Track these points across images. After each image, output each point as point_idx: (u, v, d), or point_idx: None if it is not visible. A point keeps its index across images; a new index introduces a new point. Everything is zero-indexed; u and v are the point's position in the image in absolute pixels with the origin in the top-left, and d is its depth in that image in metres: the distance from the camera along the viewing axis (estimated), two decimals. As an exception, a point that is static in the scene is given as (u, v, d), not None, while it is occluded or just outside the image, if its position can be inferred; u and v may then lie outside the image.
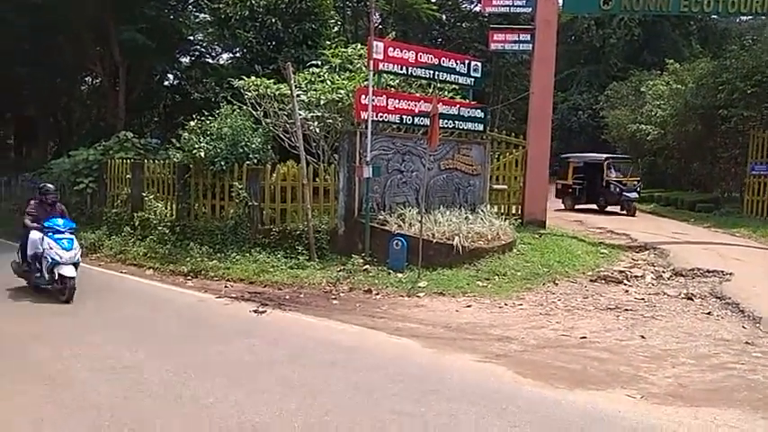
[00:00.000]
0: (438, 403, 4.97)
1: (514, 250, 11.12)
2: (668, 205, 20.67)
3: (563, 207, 20.54)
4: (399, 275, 9.56)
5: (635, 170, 20.30)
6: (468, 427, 4.54)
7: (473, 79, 12.27)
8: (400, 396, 5.10)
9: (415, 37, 28.55)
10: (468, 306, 8.36)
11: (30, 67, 20.34)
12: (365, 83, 10.77)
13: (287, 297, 8.70)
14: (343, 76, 12.25)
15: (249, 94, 12.13)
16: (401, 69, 11.16)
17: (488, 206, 12.36)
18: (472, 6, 35.05)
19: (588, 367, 5.98)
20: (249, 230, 11.03)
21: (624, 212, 19.00)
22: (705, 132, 19.84)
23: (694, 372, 5.91)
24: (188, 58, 24.50)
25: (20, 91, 22.94)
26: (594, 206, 20.25)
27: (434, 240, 10.03)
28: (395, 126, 11.34)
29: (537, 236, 12.66)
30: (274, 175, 11.37)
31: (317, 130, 11.94)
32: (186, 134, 11.62)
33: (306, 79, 12.28)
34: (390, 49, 10.91)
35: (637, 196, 19.37)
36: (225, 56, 24.43)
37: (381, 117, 10.74)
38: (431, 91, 12.56)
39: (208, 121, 11.68)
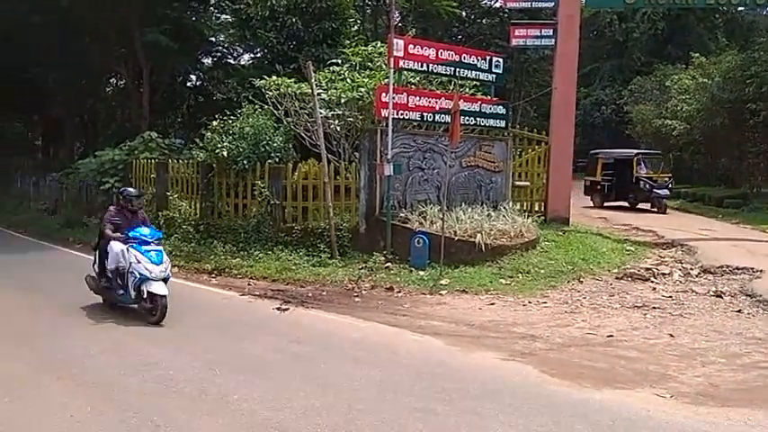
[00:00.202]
0: (463, 401, 4.92)
1: (538, 248, 10.99)
2: (695, 201, 20.27)
3: (591, 204, 20.13)
4: (421, 273, 9.52)
5: (666, 166, 19.81)
6: (494, 426, 4.49)
7: (494, 75, 12.16)
8: (425, 394, 5.06)
9: (434, 34, 28.41)
10: (492, 304, 8.29)
11: (56, 69, 20.73)
12: (386, 80, 10.74)
13: (309, 295, 8.72)
14: (363, 75, 12.23)
15: (270, 93, 12.19)
16: (422, 66, 11.11)
17: (511, 203, 12.24)
18: (492, 2, 34.76)
19: (616, 366, 5.88)
20: (272, 229, 11.08)
21: (655, 210, 18.56)
22: (732, 127, 19.41)
23: (725, 371, 5.78)
24: (210, 59, 24.73)
25: (47, 93, 23.39)
26: (624, 203, 19.78)
27: (456, 238, 9.97)
28: (416, 123, 11.30)
29: (561, 233, 12.50)
30: (296, 173, 11.42)
31: (338, 129, 11.95)
32: (209, 134, 11.73)
33: (326, 78, 12.30)
34: (411, 46, 10.87)
35: (668, 193, 18.92)
36: (246, 56, 24.67)
37: (402, 115, 10.71)
38: (451, 88, 12.48)
39: (230, 121, 11.77)
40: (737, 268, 10.17)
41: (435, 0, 24.60)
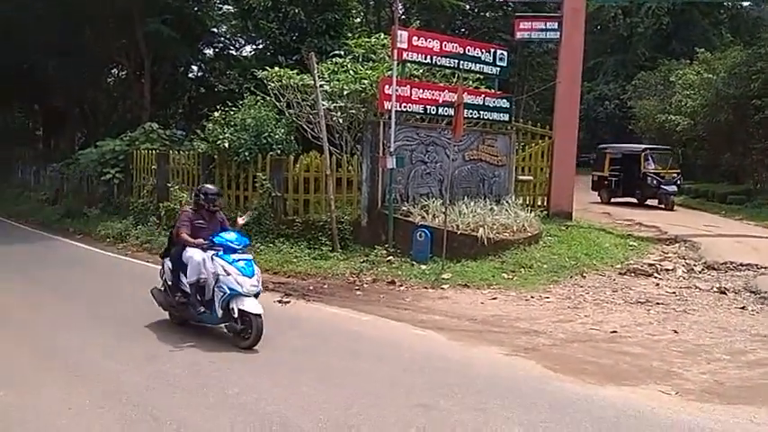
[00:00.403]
0: (466, 397, 4.87)
1: (540, 242, 10.94)
2: (698, 197, 20.14)
3: (599, 200, 19.87)
4: (423, 267, 9.46)
5: (674, 162, 19.52)
6: (497, 422, 4.44)
7: (498, 68, 12.07)
8: (427, 389, 5.01)
9: (438, 27, 28.19)
10: (494, 298, 8.23)
11: (58, 59, 20.63)
12: (389, 73, 10.65)
13: (311, 288, 8.67)
14: (366, 66, 12.13)
15: (272, 84, 12.09)
16: (425, 59, 11.02)
17: (513, 198, 12.17)
18: (496, -5, 34.56)
19: (620, 362, 5.83)
20: (273, 221, 11.02)
21: (662, 207, 18.25)
22: (737, 123, 19.25)
23: (730, 368, 5.73)
24: (212, 50, 24.56)
25: (48, 83, 23.28)
26: (632, 199, 19.46)
27: (459, 232, 9.90)
28: (418, 116, 11.21)
29: (563, 228, 12.44)
30: (297, 165, 11.34)
31: (340, 121, 11.86)
32: (210, 125, 11.67)
33: (329, 69, 12.20)
34: (415, 38, 10.77)
35: (676, 189, 18.59)
36: (248, 48, 24.55)
37: (405, 107, 10.62)
38: (455, 81, 12.38)
39: (232, 112, 11.69)
40: (741, 264, 10.10)
41: (439, -9, 24.41)
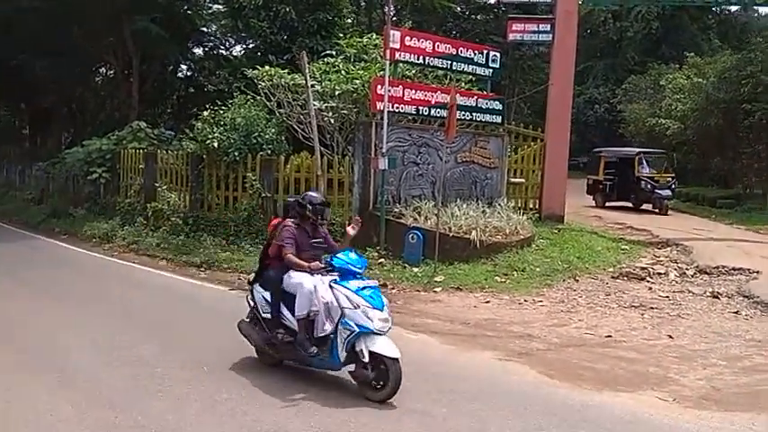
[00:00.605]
0: (460, 403, 4.77)
1: (533, 245, 10.86)
2: (688, 201, 20.22)
3: (594, 204, 19.76)
4: (415, 270, 9.34)
5: (669, 166, 19.38)
6: (492, 430, 4.34)
7: (491, 70, 11.99)
8: (421, 395, 4.90)
9: (429, 29, 28.10)
10: (487, 302, 8.14)
11: (44, 57, 20.33)
12: (381, 73, 10.53)
13: (301, 290, 8.50)
14: (358, 67, 12.00)
15: (263, 83, 11.92)
16: (418, 59, 10.91)
17: (506, 200, 12.10)
18: (488, -2, 34.63)
19: (615, 368, 5.75)
20: (263, 222, 10.84)
21: (656, 211, 18.08)
22: (727, 127, 19.36)
23: (727, 374, 5.68)
24: (201, 49, 24.36)
25: (35, 81, 22.94)
26: (627, 203, 19.29)
27: (451, 234, 9.80)
28: (411, 117, 11.10)
29: (555, 231, 12.38)
30: (288, 166, 11.19)
31: (332, 121, 11.72)
32: (199, 124, 11.47)
33: (320, 69, 12.06)
34: (407, 38, 10.66)
35: (670, 194, 18.41)
36: (238, 47, 24.33)
37: (397, 108, 10.50)
38: (447, 82, 12.29)
39: (221, 112, 11.51)
40: (734, 269, 10.10)
41: (430, -8, 24.36)
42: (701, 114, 19.96)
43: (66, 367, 5.44)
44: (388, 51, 10.11)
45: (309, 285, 4.96)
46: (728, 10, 36.23)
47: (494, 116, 12.12)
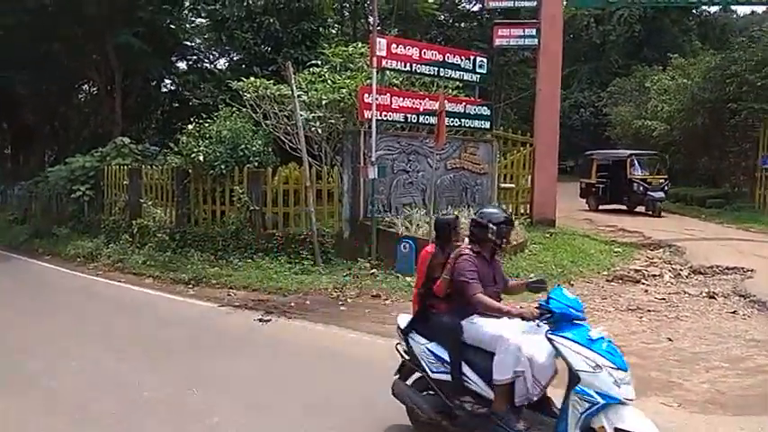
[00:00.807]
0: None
1: (526, 251, 10.78)
2: (677, 201, 20.23)
3: (587, 207, 19.66)
4: (408, 279, 9.16)
5: (662, 167, 19.27)
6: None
7: (478, 76, 11.93)
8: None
9: (414, 37, 28.21)
10: (482, 310, 7.97)
11: (25, 74, 20.05)
12: (368, 81, 10.42)
13: (292, 304, 8.31)
14: (344, 76, 11.89)
15: (248, 95, 11.76)
16: (405, 66, 10.83)
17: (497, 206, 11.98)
18: (471, 6, 34.80)
19: (617, 374, 5.60)
20: (251, 236, 10.65)
21: (650, 213, 17.92)
22: (713, 127, 19.46)
23: (730, 376, 5.56)
24: (185, 63, 24.19)
25: (16, 99, 22.63)
26: (621, 206, 19.13)
27: (443, 242, 9.64)
28: (399, 125, 10.99)
29: (548, 235, 12.31)
30: (276, 178, 11.01)
31: (319, 131, 11.57)
32: (184, 138, 11.26)
33: (306, 79, 11.92)
34: (394, 45, 10.58)
35: (663, 196, 18.23)
36: (222, 61, 24.20)
37: (385, 116, 10.40)
38: (434, 89, 12.21)
39: (206, 125, 11.31)
40: (728, 268, 10.04)
41: (415, 1, 24.37)
42: (686, 115, 20.06)
43: (49, 390, 5.21)
44: (374, 59, 10.01)
45: (515, 339, 3.71)
46: (708, 12, 36.73)
47: (482, 122, 12.05)
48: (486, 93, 23.18)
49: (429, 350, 4.09)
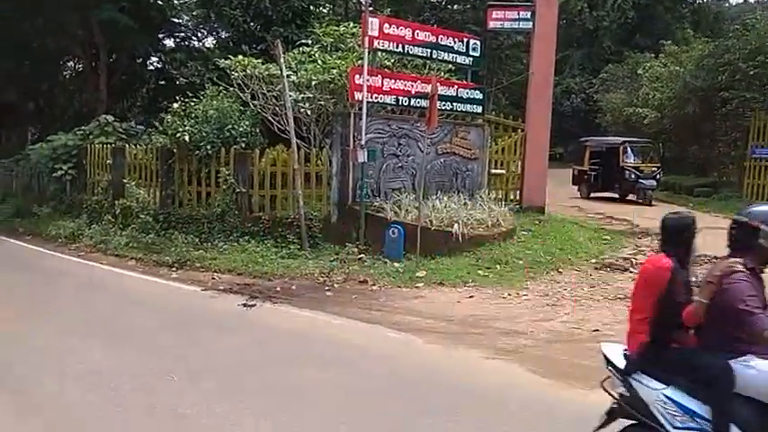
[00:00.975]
0: (447, 408, 4.50)
1: (515, 237, 10.68)
2: (666, 190, 20.17)
3: (579, 195, 19.44)
4: (396, 265, 9.06)
5: (655, 155, 19.00)
6: (481, 434, 4.10)
7: (472, 58, 11.73)
8: (404, 400, 4.63)
9: (406, 19, 27.83)
10: (471, 297, 7.89)
11: (10, 52, 19.51)
12: (359, 62, 10.20)
13: (278, 289, 8.18)
14: (335, 56, 11.63)
15: (236, 74, 11.47)
16: (397, 48, 10.60)
17: (487, 192, 11.88)
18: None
19: (606, 364, 5.53)
20: (237, 218, 10.46)
21: (641, 201, 17.66)
22: (704, 115, 19.38)
23: (718, 368, 5.49)
24: (172, 40, 23.64)
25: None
26: (613, 194, 18.88)
27: (432, 228, 9.55)
28: (390, 108, 10.79)
29: (537, 222, 12.21)
30: (263, 159, 10.79)
31: (308, 113, 11.34)
32: (169, 117, 10.99)
33: (295, 59, 11.65)
34: (386, 25, 10.34)
35: (654, 184, 18.00)
36: (211, 39, 23.69)
37: (376, 98, 10.20)
38: (426, 72, 12.00)
39: (192, 104, 11.04)
40: (715, 257, 9.94)
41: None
42: (678, 103, 19.95)
43: (16, 379, 5.05)
44: (366, 39, 9.78)
45: None
46: (702, -1, 36.63)
47: (474, 106, 11.87)
48: (479, 77, 22.96)
49: (669, 398, 3.12)
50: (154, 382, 4.96)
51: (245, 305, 7.40)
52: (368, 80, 9.73)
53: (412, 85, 10.70)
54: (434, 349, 5.94)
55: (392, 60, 11.80)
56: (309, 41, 12.93)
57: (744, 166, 17.81)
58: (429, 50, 10.97)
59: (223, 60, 11.91)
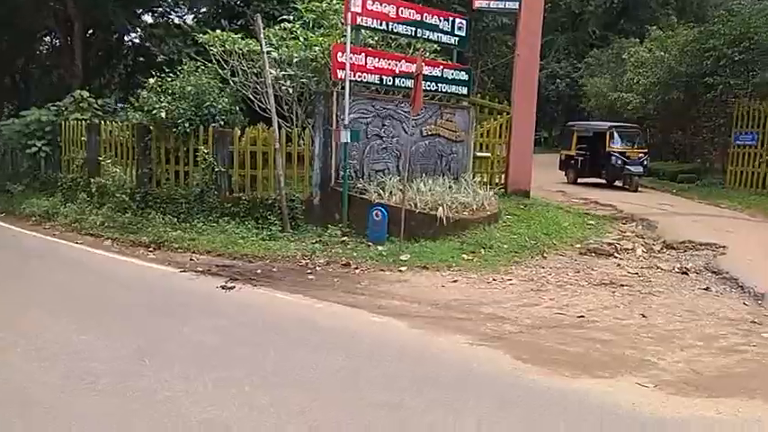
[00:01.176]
0: (432, 393, 4.39)
1: (500, 222, 10.58)
2: (650, 176, 20.25)
3: (566, 180, 19.30)
4: (380, 248, 8.90)
5: (642, 141, 18.84)
6: (469, 422, 3.97)
7: (457, 38, 11.49)
8: (389, 385, 4.50)
9: (391, -1, 27.40)
10: (455, 281, 7.77)
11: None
12: (342, 39, 9.91)
13: (258, 271, 7.97)
14: (318, 33, 11.31)
15: (215, 50, 11.11)
16: (381, 25, 10.31)
17: (471, 175, 11.74)
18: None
19: (591, 350, 5.45)
20: (216, 198, 10.19)
21: (627, 188, 17.64)
22: (688, 101, 19.41)
23: (705, 355, 5.45)
24: (151, 15, 22.98)
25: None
26: (599, 180, 18.76)
27: (417, 211, 9.39)
28: (374, 87, 10.54)
29: (522, 206, 12.13)
30: (243, 138, 10.50)
31: (290, 91, 11.05)
32: (145, 93, 10.62)
33: (277, 35, 11.31)
34: (369, 1, 10.02)
35: (641, 170, 17.86)
36: (191, 18, 23.04)
37: (360, 77, 9.93)
38: (411, 52, 11.73)
39: (169, 79, 10.67)
40: (701, 244, 10.01)
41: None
42: (662, 88, 19.93)
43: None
44: (349, 15, 9.49)
45: None
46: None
47: (460, 87, 11.65)
48: (464, 59, 22.70)
49: None
50: (127, 365, 4.76)
51: (223, 287, 7.19)
52: (351, 58, 9.47)
53: (396, 65, 10.44)
54: (418, 334, 5.80)
55: (376, 39, 11.52)
56: (291, 18, 12.56)
57: (728, 152, 17.87)
58: (413, 29, 10.71)
59: (201, 36, 11.52)
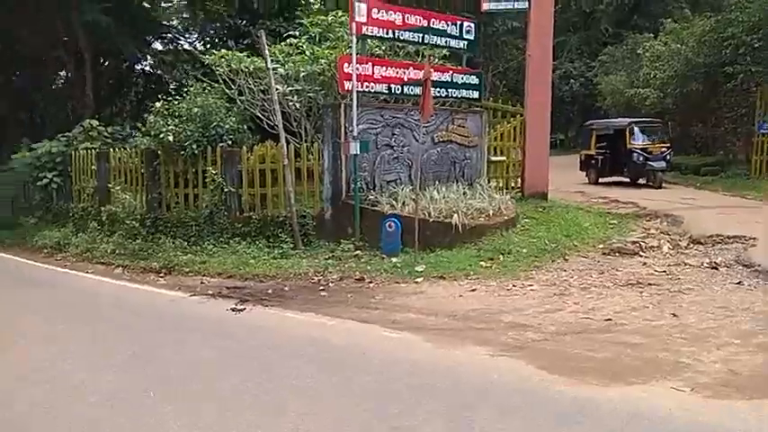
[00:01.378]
0: (452, 411, 4.11)
1: (518, 226, 10.28)
2: (672, 170, 19.69)
3: (587, 181, 18.81)
4: (394, 260, 8.65)
5: (663, 135, 18.19)
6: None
7: (466, 42, 11.26)
8: (406, 405, 4.22)
9: (396, 4, 27.35)
10: (473, 290, 7.47)
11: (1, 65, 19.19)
12: (348, 51, 9.77)
13: (269, 291, 7.77)
14: (324, 46, 11.20)
15: (221, 70, 11.06)
16: (387, 33, 10.13)
17: (486, 180, 11.45)
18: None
19: (621, 356, 5.11)
20: (226, 219, 10.06)
21: (650, 185, 17.02)
22: (708, 92, 18.88)
23: (742, 353, 5.08)
24: (160, 42, 23.27)
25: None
26: (622, 178, 18.16)
27: (431, 219, 9.14)
28: (382, 97, 10.36)
29: (540, 209, 11.78)
30: (252, 156, 10.37)
31: (297, 106, 10.93)
32: (152, 117, 10.58)
33: (282, 51, 11.22)
34: (375, 10, 9.87)
35: (664, 165, 17.20)
36: (200, 42, 23.29)
37: (367, 87, 9.77)
38: (419, 59, 11.55)
39: (176, 102, 10.62)
40: (729, 237, 9.58)
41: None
42: (680, 81, 19.41)
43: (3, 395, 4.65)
44: (354, 25, 9.34)
45: None
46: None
47: (470, 91, 11.43)
48: (475, 63, 22.47)
49: None
50: (130, 396, 4.56)
51: (233, 309, 6.99)
52: (358, 68, 9.30)
53: (404, 72, 10.26)
54: (436, 348, 5.52)
55: (383, 48, 11.36)
56: (297, 33, 12.49)
57: (752, 142, 17.28)
58: (421, 35, 10.50)
59: (207, 57, 11.48)
